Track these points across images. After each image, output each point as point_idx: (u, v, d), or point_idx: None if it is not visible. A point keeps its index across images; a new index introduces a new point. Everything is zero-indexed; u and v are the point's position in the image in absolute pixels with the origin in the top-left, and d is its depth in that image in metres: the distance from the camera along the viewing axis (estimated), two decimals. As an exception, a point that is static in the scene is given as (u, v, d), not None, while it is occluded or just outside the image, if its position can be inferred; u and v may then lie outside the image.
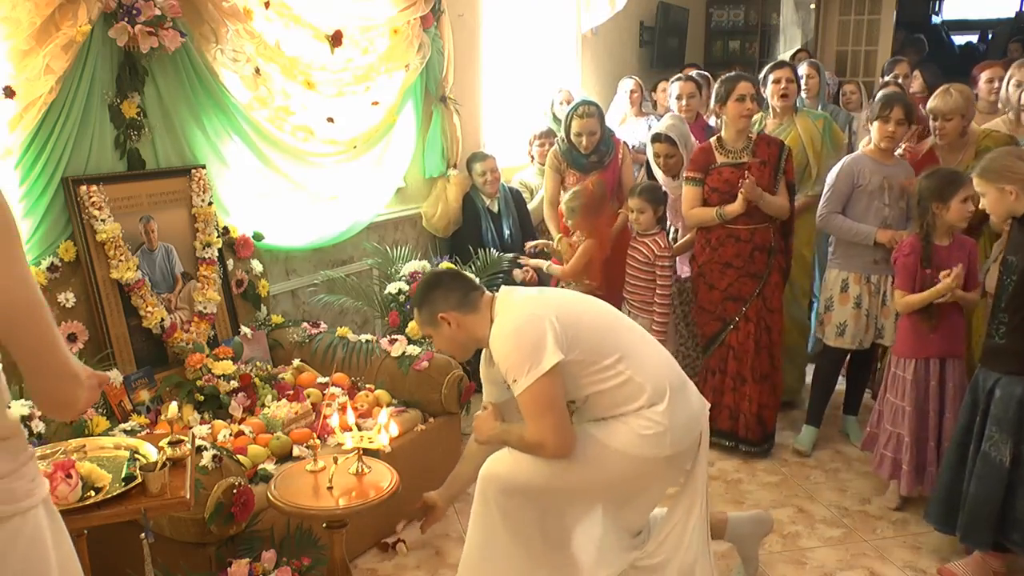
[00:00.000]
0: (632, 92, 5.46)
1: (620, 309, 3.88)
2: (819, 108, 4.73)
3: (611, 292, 3.87)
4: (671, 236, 4.12)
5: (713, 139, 3.70)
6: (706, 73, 5.30)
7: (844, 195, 3.59)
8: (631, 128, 5.36)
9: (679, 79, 4.60)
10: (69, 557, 1.46)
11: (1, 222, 1.27)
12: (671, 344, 4.08)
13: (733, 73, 3.69)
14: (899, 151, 3.80)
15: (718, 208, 3.57)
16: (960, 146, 3.65)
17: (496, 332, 2.29)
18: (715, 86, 3.78)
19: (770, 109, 4.20)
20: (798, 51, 7.20)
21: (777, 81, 4.10)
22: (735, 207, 3.52)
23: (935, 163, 3.61)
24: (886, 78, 5.20)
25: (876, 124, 3.54)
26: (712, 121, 4.49)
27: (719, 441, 3.69)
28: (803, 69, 4.77)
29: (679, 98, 4.50)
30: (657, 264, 3.79)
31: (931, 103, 3.62)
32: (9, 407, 1.39)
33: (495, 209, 4.66)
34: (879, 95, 3.72)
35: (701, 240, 3.72)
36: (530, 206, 4.82)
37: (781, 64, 4.29)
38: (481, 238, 4.52)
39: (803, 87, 4.66)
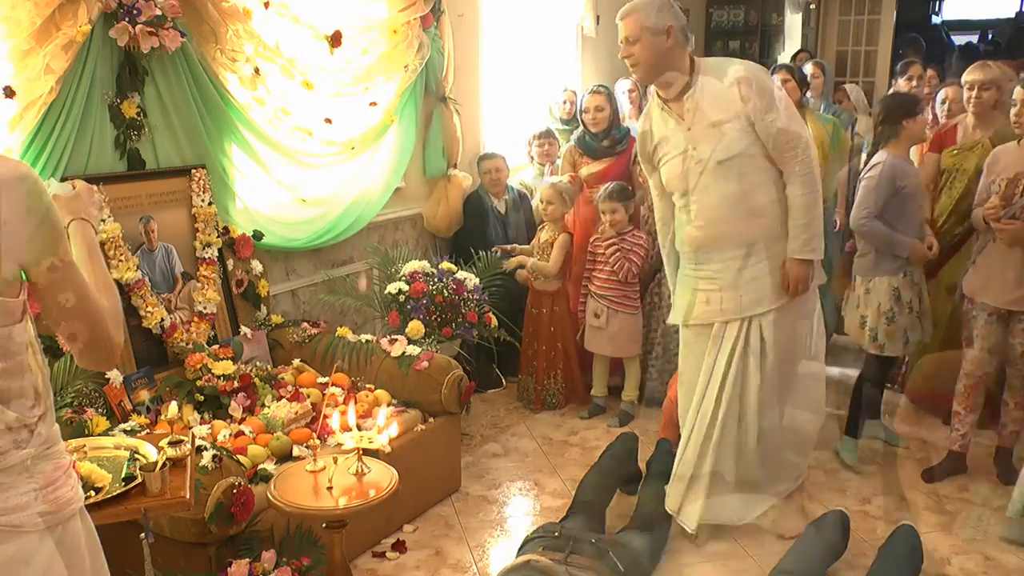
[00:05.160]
0: (631, 91, 5.39)
1: (580, 311, 4.16)
2: (822, 108, 4.75)
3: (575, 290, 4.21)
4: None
5: None
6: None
7: (888, 197, 3.40)
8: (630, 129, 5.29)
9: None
10: (99, 561, 1.47)
11: (57, 227, 1.36)
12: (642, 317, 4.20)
13: None
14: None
15: None
16: (989, 122, 3.67)
17: None
18: None
19: None
20: (799, 52, 7.19)
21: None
22: None
23: (954, 142, 3.72)
24: (900, 80, 5.10)
25: (917, 119, 3.41)
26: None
27: None
28: (808, 68, 4.78)
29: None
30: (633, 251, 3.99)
31: (968, 76, 3.64)
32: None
33: (502, 209, 4.67)
34: (895, 94, 3.69)
35: None
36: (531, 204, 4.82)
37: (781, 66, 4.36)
38: (486, 238, 4.52)
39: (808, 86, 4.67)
